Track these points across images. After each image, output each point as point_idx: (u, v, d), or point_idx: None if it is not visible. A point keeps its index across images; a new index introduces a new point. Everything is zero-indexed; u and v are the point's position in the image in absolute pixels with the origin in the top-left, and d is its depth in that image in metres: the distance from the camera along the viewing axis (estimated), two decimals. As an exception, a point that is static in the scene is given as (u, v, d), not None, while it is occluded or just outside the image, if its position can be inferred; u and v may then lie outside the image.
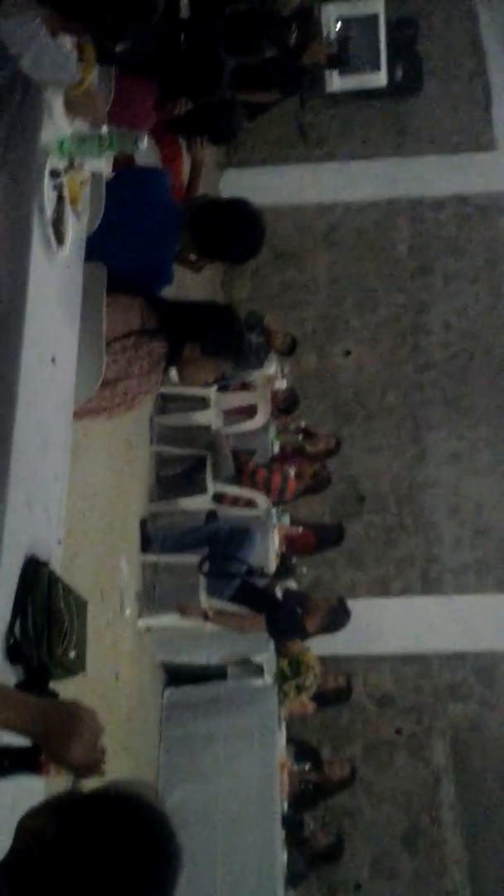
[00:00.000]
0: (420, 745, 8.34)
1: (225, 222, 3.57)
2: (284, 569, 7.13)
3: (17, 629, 2.33)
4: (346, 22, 8.55)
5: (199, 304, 3.83)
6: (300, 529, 7.63)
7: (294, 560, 7.40)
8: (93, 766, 1.86)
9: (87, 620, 2.61)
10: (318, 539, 7.76)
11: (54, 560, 2.58)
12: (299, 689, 6.84)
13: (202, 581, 6.26)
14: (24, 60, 2.27)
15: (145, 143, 2.79)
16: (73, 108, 2.67)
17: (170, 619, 6.31)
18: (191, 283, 6.56)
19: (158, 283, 3.45)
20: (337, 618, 6.67)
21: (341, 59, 7.96)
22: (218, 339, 3.29)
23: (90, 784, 1.74)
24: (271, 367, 7.22)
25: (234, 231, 3.58)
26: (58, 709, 1.92)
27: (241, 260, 3.92)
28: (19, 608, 2.35)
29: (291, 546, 7.52)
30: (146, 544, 6.42)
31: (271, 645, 6.72)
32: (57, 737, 1.83)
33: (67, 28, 2.37)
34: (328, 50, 7.50)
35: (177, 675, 6.96)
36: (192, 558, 6.28)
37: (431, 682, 8.48)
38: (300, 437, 7.85)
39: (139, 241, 3.33)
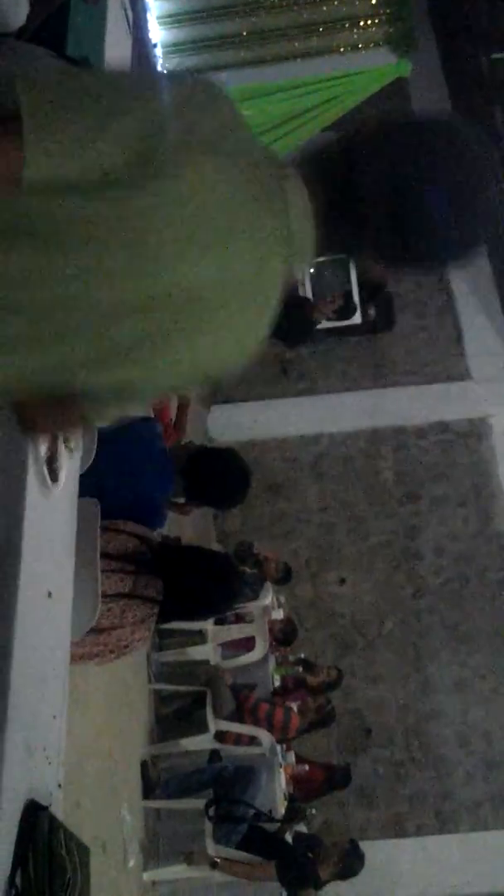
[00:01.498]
0: None
1: (215, 472, 3.69)
2: (293, 812, 6.85)
3: (17, 879, 2.21)
4: (319, 265, 9.09)
5: (195, 550, 3.88)
6: (306, 767, 7.38)
7: (302, 805, 7.12)
8: None
9: (89, 867, 2.48)
10: (326, 778, 7.51)
11: (55, 804, 2.48)
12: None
13: (208, 827, 6.00)
14: None
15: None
16: None
17: (176, 870, 6.01)
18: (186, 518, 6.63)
19: (151, 525, 3.52)
20: (351, 863, 6.37)
21: (349, 310, 8.45)
22: (211, 587, 3.35)
23: None
24: (267, 597, 7.20)
25: (223, 480, 3.70)
26: None
27: (227, 506, 4.05)
28: (20, 856, 2.24)
29: (299, 787, 7.26)
30: (148, 789, 6.20)
31: (283, 894, 6.36)
32: None
33: None
34: (334, 305, 8.00)
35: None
36: (196, 803, 6.05)
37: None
38: (300, 668, 7.73)
39: (133, 490, 3.43)
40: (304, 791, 7.31)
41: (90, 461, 3.04)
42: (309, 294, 8.46)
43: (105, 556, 3.12)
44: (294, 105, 7.44)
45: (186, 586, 3.28)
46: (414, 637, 9.14)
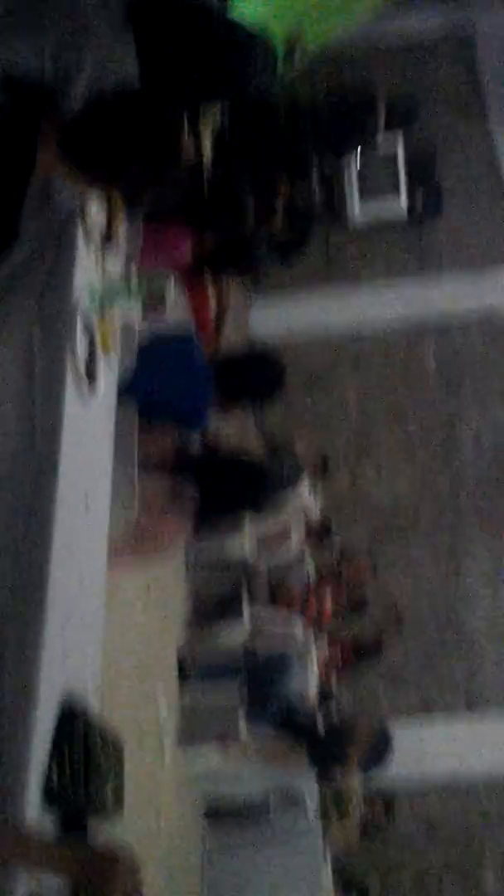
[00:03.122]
0: (469, 875, 8.04)
1: (249, 374, 3.72)
2: (324, 698, 7.02)
3: (54, 774, 2.32)
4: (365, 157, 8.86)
5: (231, 460, 3.90)
6: (339, 655, 7.54)
7: (334, 686, 7.29)
8: None
9: (123, 763, 2.59)
10: (357, 652, 7.67)
11: (91, 703, 2.57)
12: (342, 820, 6.68)
13: (241, 710, 6.17)
14: None
15: (172, 286, 2.88)
16: None
17: (210, 753, 6.20)
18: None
19: (193, 426, 3.57)
20: (380, 752, 6.55)
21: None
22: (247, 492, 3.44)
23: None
24: (304, 490, 7.23)
25: (257, 381, 3.72)
26: (95, 853, 1.92)
27: (262, 405, 4.08)
28: (56, 753, 2.34)
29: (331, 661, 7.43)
30: (184, 673, 6.36)
31: (314, 775, 6.58)
32: (95, 881, 1.83)
33: (92, 186, 2.47)
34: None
35: (218, 810, 6.79)
36: (230, 688, 6.20)
37: (479, 806, 8.23)
38: (335, 562, 7.81)
39: (174, 397, 3.47)
40: (336, 666, 7.48)
41: (128, 370, 3.05)
42: (354, 189, 8.22)
43: (147, 458, 3.17)
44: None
45: (220, 494, 3.34)
46: (449, 527, 9.18)
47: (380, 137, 7.83)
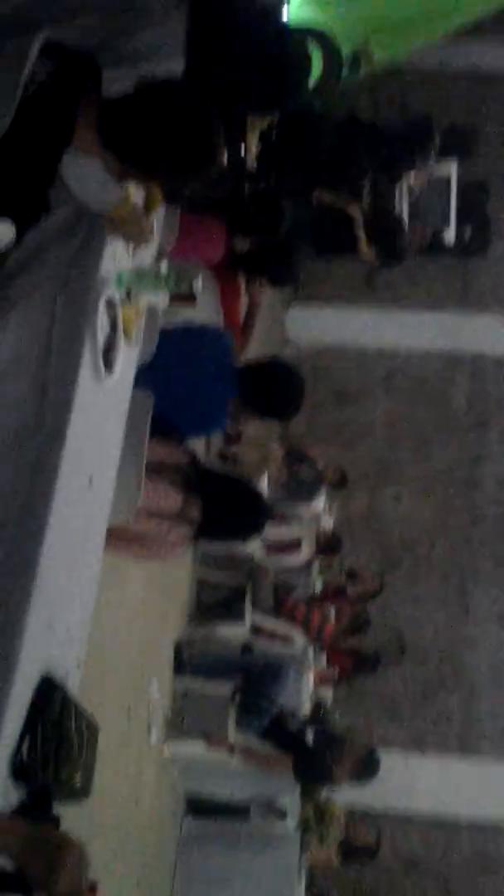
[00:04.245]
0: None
1: (268, 385, 3.72)
2: (317, 714, 7.01)
3: (24, 748, 2.31)
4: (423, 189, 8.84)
5: (233, 482, 3.89)
6: (336, 672, 7.52)
7: (328, 703, 7.27)
8: None
9: (97, 746, 2.58)
10: (355, 664, 7.65)
11: (71, 681, 2.57)
12: (322, 839, 6.64)
13: (232, 713, 6.16)
14: (69, 180, 2.34)
15: (201, 284, 2.88)
16: (115, 226, 2.65)
17: (195, 748, 6.19)
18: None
19: (211, 428, 3.58)
20: (366, 769, 6.52)
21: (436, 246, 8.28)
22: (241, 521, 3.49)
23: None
24: (320, 502, 7.24)
25: (277, 394, 3.73)
26: (45, 839, 1.90)
27: (281, 419, 4.08)
28: (29, 727, 2.33)
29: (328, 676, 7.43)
30: (179, 668, 6.37)
31: (297, 789, 6.55)
32: (41, 866, 1.82)
33: (128, 175, 2.47)
34: (424, 240, 7.83)
35: (198, 807, 6.78)
36: (223, 688, 6.19)
37: (460, 849, 8.17)
38: (344, 577, 7.80)
39: (195, 393, 3.48)
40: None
41: (149, 356, 3.06)
42: (405, 212, 8.23)
43: (160, 466, 3.20)
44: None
45: (219, 515, 3.39)
46: (462, 564, 9.14)
47: (433, 161, 7.80)
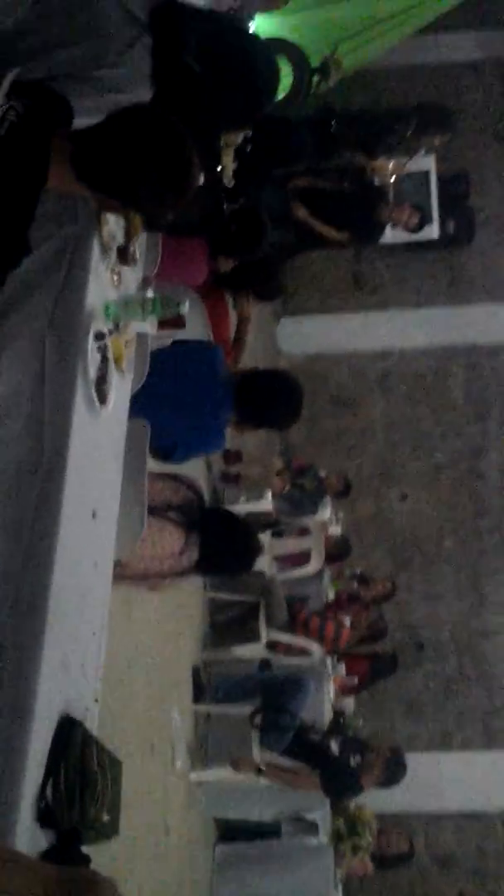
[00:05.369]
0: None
1: (266, 396, 3.69)
2: (339, 724, 6.98)
3: (48, 791, 2.28)
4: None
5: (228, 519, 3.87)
6: (356, 680, 7.48)
7: (350, 712, 7.24)
8: None
9: (121, 782, 2.55)
10: (373, 669, 7.62)
11: (90, 717, 2.54)
12: (356, 849, 6.59)
13: (255, 734, 6.14)
14: None
15: (187, 307, 2.86)
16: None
17: (222, 773, 6.18)
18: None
19: (210, 445, 3.56)
20: (393, 773, 6.49)
21: (422, 225, 8.23)
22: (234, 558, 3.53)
23: None
24: (326, 512, 7.22)
25: (274, 404, 3.70)
26: (74, 880, 1.87)
27: (279, 429, 4.04)
28: (52, 769, 2.31)
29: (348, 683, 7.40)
30: (198, 694, 6.34)
31: (327, 802, 6.52)
32: None
33: (106, 205, 2.44)
34: (412, 220, 7.78)
35: (229, 831, 6.76)
36: (244, 710, 6.17)
37: (495, 843, 8.12)
38: (355, 583, 7.78)
39: (190, 414, 3.47)
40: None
41: (141, 382, 3.04)
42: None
43: (164, 505, 3.21)
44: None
45: (213, 552, 3.41)
46: (472, 556, 9.12)
47: (410, 134, 7.68)
